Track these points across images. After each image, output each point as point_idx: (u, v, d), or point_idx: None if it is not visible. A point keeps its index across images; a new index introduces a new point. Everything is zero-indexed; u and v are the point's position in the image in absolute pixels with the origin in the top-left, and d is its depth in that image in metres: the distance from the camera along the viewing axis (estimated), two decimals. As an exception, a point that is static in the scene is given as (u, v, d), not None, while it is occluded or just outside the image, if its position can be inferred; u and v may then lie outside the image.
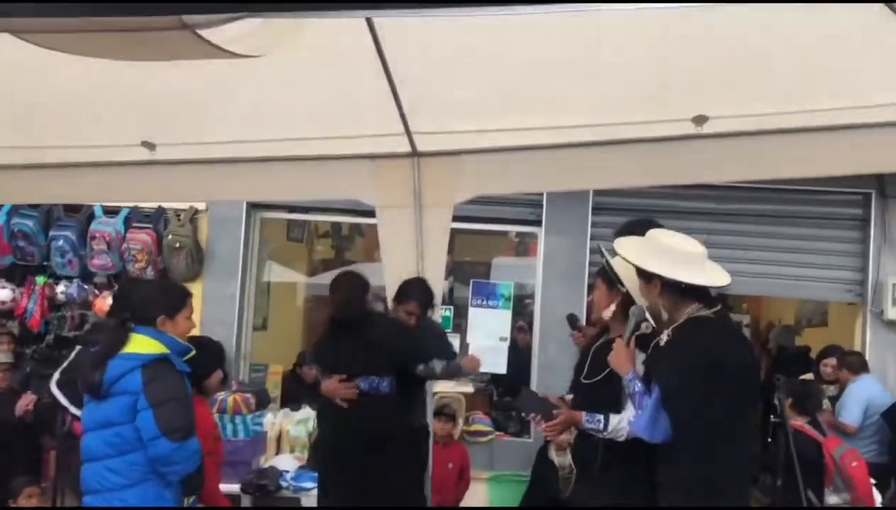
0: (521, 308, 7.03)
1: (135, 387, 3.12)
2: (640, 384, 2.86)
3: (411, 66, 3.56)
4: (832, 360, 6.07)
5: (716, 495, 2.70)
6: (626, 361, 2.94)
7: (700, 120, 3.80)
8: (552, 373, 6.30)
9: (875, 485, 4.69)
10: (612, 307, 3.18)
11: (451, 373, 4.45)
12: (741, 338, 3.20)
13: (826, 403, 5.72)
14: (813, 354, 6.67)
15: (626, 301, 3.14)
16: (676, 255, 2.84)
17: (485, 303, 6.76)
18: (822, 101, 3.67)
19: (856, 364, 5.90)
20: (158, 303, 3.37)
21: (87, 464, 3.22)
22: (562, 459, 3.41)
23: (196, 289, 5.92)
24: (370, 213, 4.63)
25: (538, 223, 6.65)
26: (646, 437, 2.82)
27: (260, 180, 4.47)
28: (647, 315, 3.00)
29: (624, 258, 2.92)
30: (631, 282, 3.14)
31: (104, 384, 3.14)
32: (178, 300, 3.44)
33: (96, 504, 3.18)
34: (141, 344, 3.20)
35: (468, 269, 7.63)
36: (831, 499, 4.17)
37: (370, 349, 4.10)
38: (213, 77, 3.50)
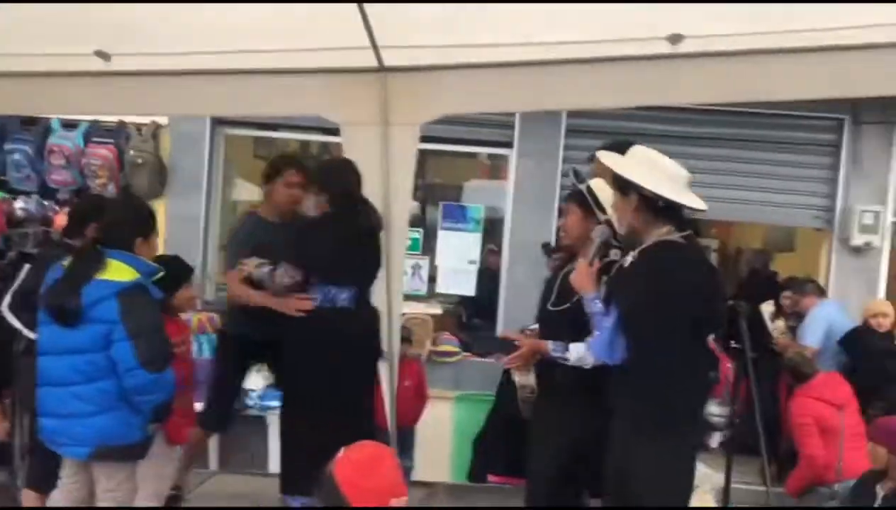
0: (493, 231, 6.99)
1: (111, 316, 3.02)
2: (600, 305, 2.84)
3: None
4: (789, 293, 6.16)
5: (668, 422, 2.71)
6: (589, 281, 2.91)
7: (675, 39, 3.69)
8: (520, 296, 6.32)
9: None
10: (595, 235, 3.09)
11: None
12: (709, 264, 3.17)
13: (781, 329, 5.86)
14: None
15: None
16: (662, 171, 2.79)
17: (455, 225, 6.71)
18: (799, 21, 3.58)
19: (813, 290, 5.99)
20: (135, 224, 3.26)
21: (46, 388, 3.15)
22: (523, 379, 3.40)
23: (159, 207, 5.81)
24: (339, 132, 4.50)
25: (510, 145, 6.55)
26: (603, 359, 2.81)
27: (220, 94, 4.30)
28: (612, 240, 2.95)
29: (606, 166, 2.84)
30: (609, 204, 3.07)
31: (78, 311, 3.03)
32: (151, 220, 3.36)
33: (55, 427, 3.14)
34: (116, 270, 3.08)
35: (439, 192, 7.55)
36: (714, 408, 4.32)
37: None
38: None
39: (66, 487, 3.31)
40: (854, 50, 3.68)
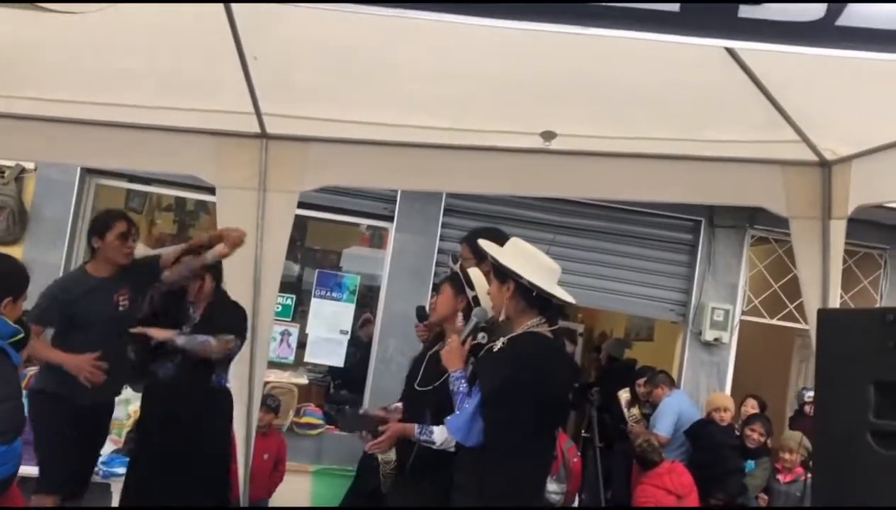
0: (367, 300, 6.99)
1: None
2: (465, 384, 2.89)
3: (265, 46, 3.43)
4: (643, 380, 6.45)
5: (515, 500, 2.77)
6: (458, 358, 2.96)
7: (548, 135, 3.90)
8: (389, 368, 6.32)
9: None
10: (460, 314, 3.19)
11: None
12: (570, 361, 3.30)
13: (636, 416, 6.10)
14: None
15: (470, 308, 3.17)
16: (538, 263, 2.92)
17: (328, 294, 6.68)
18: (662, 131, 3.88)
19: (665, 381, 6.29)
20: (7, 285, 3.04)
21: None
22: (385, 455, 3.38)
23: (14, 253, 5.49)
24: (214, 190, 4.44)
25: (390, 219, 6.64)
26: (459, 438, 2.84)
27: (94, 145, 4.18)
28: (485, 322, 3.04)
29: (490, 255, 2.94)
30: (479, 289, 3.17)
31: None
32: (25, 280, 3.13)
33: None
34: None
35: (318, 257, 7.50)
36: (551, 486, 4.42)
37: None
38: (50, 31, 3.23)
39: None
40: (707, 161, 4.02)
